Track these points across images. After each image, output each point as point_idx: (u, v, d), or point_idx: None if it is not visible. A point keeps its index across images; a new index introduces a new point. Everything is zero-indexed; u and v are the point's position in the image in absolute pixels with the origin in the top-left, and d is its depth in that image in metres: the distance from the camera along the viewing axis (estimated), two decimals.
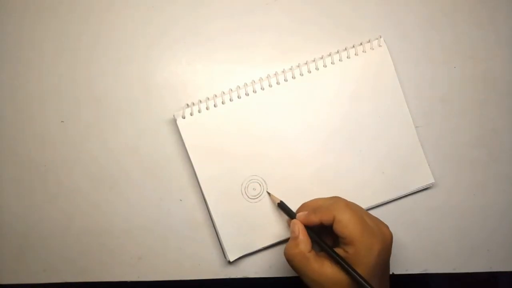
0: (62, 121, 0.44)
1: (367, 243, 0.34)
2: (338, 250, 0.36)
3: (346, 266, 0.34)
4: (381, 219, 0.44)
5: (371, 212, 0.44)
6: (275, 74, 0.43)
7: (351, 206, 0.36)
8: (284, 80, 0.43)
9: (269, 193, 0.42)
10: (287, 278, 0.44)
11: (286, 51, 0.44)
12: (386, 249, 0.36)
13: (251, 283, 0.44)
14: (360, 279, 0.33)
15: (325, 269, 0.35)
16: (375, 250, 0.34)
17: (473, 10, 0.45)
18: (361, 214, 0.36)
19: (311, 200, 0.41)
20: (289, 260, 0.37)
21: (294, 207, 0.42)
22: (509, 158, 0.44)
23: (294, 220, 0.38)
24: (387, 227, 0.37)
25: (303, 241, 0.37)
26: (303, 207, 0.41)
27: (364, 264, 0.34)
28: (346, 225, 0.35)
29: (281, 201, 0.41)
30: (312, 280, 0.35)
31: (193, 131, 0.42)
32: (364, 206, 0.43)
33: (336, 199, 0.38)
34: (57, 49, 0.45)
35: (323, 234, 0.38)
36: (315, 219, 0.37)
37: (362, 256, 0.34)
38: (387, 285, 0.37)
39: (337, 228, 0.35)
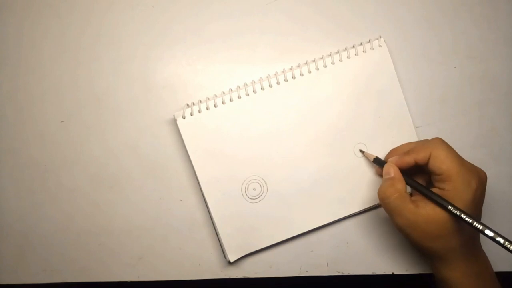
0: (62, 121, 0.44)
1: (465, 178, 0.34)
2: (433, 190, 0.36)
3: (444, 201, 0.34)
4: (381, 219, 0.44)
5: (372, 212, 0.44)
6: (275, 74, 0.43)
7: (447, 144, 0.36)
8: (284, 80, 0.43)
9: (362, 151, 0.42)
10: (287, 278, 0.44)
11: (286, 51, 0.44)
12: (482, 187, 0.36)
13: (251, 283, 0.44)
14: (461, 212, 0.33)
15: (420, 209, 0.35)
16: (473, 185, 0.34)
17: (472, 10, 0.45)
18: (456, 152, 0.36)
19: (399, 146, 0.41)
20: (384, 198, 0.36)
21: (294, 207, 0.42)
22: (509, 158, 0.44)
23: (387, 164, 0.38)
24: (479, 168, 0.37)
25: (399, 180, 0.37)
26: (392, 152, 0.41)
27: (462, 199, 0.34)
28: (443, 160, 0.35)
29: (376, 157, 0.41)
30: (407, 219, 0.35)
31: (193, 131, 0.42)
32: (363, 206, 0.43)
33: (431, 139, 0.38)
34: (57, 49, 0.45)
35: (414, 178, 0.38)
36: (409, 159, 0.37)
37: (461, 191, 0.34)
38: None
39: (434, 164, 0.35)
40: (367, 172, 0.43)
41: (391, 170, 0.37)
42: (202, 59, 0.44)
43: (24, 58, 0.45)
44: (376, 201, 0.43)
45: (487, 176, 0.37)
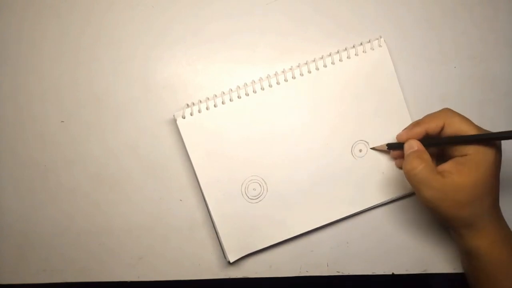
0: (62, 121, 0.44)
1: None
2: (451, 162, 0.36)
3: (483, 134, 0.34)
4: (381, 219, 0.44)
5: (372, 212, 0.44)
6: (275, 74, 0.43)
7: (457, 112, 0.37)
8: (284, 80, 0.43)
9: (373, 148, 0.42)
10: (287, 278, 0.44)
11: (286, 51, 0.44)
12: (500, 149, 0.36)
13: (251, 283, 0.44)
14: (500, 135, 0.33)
15: (447, 178, 0.35)
16: (494, 147, 0.35)
17: (472, 10, 0.45)
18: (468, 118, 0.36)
19: (406, 127, 0.40)
20: (411, 170, 0.36)
21: (294, 207, 0.42)
22: (509, 158, 0.44)
23: (409, 140, 0.38)
24: None
25: (425, 152, 0.36)
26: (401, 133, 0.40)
27: (486, 161, 0.34)
28: (459, 126, 0.35)
29: (388, 143, 0.41)
30: (437, 190, 0.35)
31: (193, 131, 0.42)
32: (363, 206, 0.43)
33: (439, 110, 0.37)
34: (57, 49, 0.45)
35: None
36: (419, 129, 0.37)
37: (483, 153, 0.34)
38: (498, 195, 0.37)
39: (451, 131, 0.36)
40: (367, 172, 0.43)
41: (414, 144, 0.37)
42: (202, 59, 0.44)
43: (24, 58, 0.45)
44: (376, 201, 0.43)
45: None
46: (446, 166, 0.36)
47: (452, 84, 0.44)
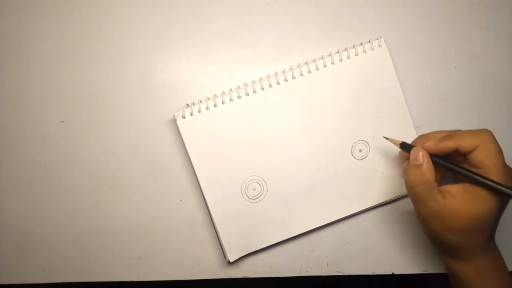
0: (62, 121, 0.44)
1: (503, 179, 0.33)
2: (459, 187, 0.34)
3: (492, 181, 0.33)
4: (381, 219, 0.44)
5: (372, 212, 0.44)
6: (275, 74, 0.43)
7: (496, 140, 0.35)
8: (284, 80, 0.43)
9: (387, 138, 0.41)
10: (287, 278, 0.44)
11: (286, 51, 0.44)
12: None
13: (251, 283, 0.44)
14: (500, 186, 0.32)
15: (448, 201, 0.34)
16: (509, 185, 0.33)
17: (473, 10, 0.45)
18: (502, 151, 0.35)
19: (429, 133, 0.38)
20: (412, 187, 0.35)
21: (294, 206, 0.42)
22: (509, 158, 0.44)
23: (416, 148, 0.36)
24: None
25: (429, 169, 0.35)
26: (422, 138, 0.38)
27: (494, 201, 0.33)
28: (490, 155, 0.34)
29: (402, 142, 0.39)
30: (433, 210, 0.34)
31: (193, 131, 0.42)
32: (363, 206, 0.43)
33: (480, 129, 0.36)
34: (57, 49, 0.45)
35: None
36: (450, 144, 0.35)
37: (494, 192, 0.33)
38: (495, 229, 0.36)
39: (480, 156, 0.34)
40: (367, 172, 0.43)
41: (420, 156, 0.35)
42: (202, 59, 0.44)
43: (24, 58, 0.45)
44: (376, 201, 0.43)
45: None
46: (453, 188, 0.35)
47: (452, 84, 0.44)
